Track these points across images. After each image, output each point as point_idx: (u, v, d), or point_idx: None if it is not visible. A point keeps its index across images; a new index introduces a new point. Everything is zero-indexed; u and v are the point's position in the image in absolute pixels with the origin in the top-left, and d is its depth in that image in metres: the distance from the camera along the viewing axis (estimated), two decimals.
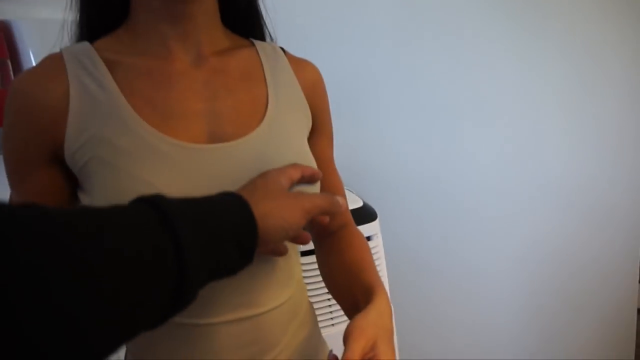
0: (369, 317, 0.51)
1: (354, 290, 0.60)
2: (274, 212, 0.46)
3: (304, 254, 1.31)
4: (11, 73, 0.98)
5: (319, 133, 0.66)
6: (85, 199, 0.52)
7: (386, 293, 0.57)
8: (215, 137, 0.54)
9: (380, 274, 1.32)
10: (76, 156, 0.51)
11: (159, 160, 0.50)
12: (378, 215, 1.32)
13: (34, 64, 1.02)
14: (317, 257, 0.71)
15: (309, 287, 1.33)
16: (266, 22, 0.67)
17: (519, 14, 1.49)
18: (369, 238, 1.37)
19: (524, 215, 1.63)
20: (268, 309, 0.57)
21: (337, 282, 0.66)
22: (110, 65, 0.53)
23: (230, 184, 0.50)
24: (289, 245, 0.59)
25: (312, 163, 0.60)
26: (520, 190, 1.61)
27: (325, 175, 0.63)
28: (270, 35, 0.67)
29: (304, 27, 1.22)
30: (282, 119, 0.58)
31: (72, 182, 0.54)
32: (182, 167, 0.51)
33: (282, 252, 0.55)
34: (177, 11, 0.53)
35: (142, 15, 0.55)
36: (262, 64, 0.61)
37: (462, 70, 1.50)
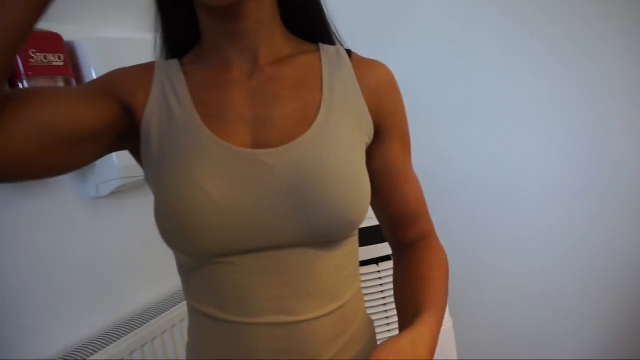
0: (398, 344, 0.49)
1: (408, 309, 0.58)
2: None
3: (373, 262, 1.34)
4: None
5: (388, 137, 0.63)
6: (141, 162, 0.60)
7: (435, 320, 0.55)
8: (258, 143, 0.56)
9: None
10: (144, 140, 0.57)
11: (207, 159, 0.54)
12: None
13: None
14: (393, 268, 0.69)
15: (372, 299, 1.35)
16: (334, 27, 0.66)
17: (577, 18, 1.46)
18: None
19: (590, 220, 1.57)
20: (305, 319, 0.56)
21: (399, 297, 0.63)
22: (187, 76, 0.60)
23: (262, 189, 0.53)
24: (343, 260, 0.59)
25: (358, 172, 0.58)
26: (585, 194, 1.56)
27: (396, 183, 0.63)
28: (339, 39, 0.66)
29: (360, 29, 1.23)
30: (332, 126, 0.57)
31: (116, 135, 0.57)
32: (225, 168, 0.54)
33: None
34: (231, 28, 0.58)
35: (207, 33, 0.60)
36: (321, 70, 0.61)
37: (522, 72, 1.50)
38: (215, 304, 0.57)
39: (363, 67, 0.62)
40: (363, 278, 1.36)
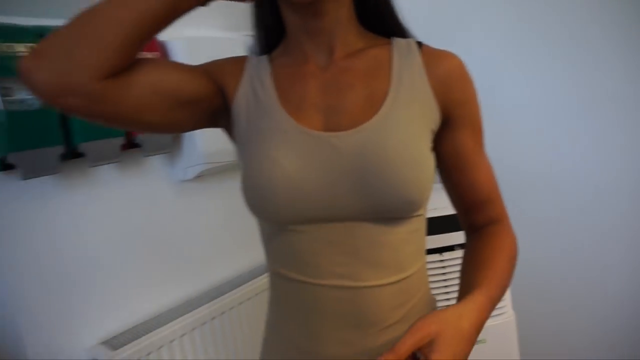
0: (443, 315, 0.53)
1: (464, 289, 0.61)
2: None
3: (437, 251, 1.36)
4: None
5: (458, 124, 0.66)
6: (230, 137, 0.70)
7: (486, 299, 0.58)
8: (329, 127, 0.62)
9: None
10: (235, 120, 0.66)
11: (284, 139, 0.62)
12: None
13: None
14: (464, 251, 0.71)
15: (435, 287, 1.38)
16: (405, 22, 0.69)
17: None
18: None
19: None
20: (367, 285, 0.61)
21: (460, 278, 0.66)
22: (272, 68, 0.68)
23: (330, 167, 0.60)
24: (407, 236, 0.64)
25: (419, 156, 0.61)
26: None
27: (466, 169, 0.67)
28: (408, 32, 0.69)
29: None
30: (396, 113, 0.62)
31: (210, 109, 0.66)
32: (299, 147, 0.61)
33: None
34: (310, 25, 0.64)
35: (290, 30, 0.68)
36: (391, 61, 0.65)
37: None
38: (289, 266, 0.65)
39: (432, 57, 0.65)
40: (427, 266, 1.39)
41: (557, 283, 1.69)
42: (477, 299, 0.57)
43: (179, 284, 1.32)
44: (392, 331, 0.63)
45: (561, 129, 1.58)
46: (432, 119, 0.63)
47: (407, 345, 0.50)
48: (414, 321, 0.53)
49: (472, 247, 0.68)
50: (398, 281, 0.63)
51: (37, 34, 0.94)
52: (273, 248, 0.67)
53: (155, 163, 1.27)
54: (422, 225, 0.68)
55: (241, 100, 0.66)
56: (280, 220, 0.63)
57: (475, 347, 1.35)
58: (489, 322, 1.41)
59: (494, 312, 1.37)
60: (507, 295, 1.40)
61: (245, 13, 1.36)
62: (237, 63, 0.69)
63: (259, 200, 0.62)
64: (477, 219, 0.69)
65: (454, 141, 0.66)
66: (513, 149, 1.62)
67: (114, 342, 1.12)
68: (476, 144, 0.67)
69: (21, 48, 0.91)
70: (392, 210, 0.61)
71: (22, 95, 0.92)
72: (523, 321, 1.44)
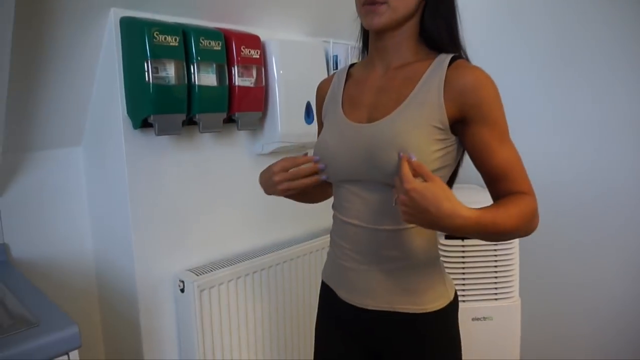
0: (436, 187, 0.72)
1: None
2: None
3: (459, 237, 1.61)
4: (263, 75, 1.48)
5: (477, 123, 0.82)
6: None
7: (475, 216, 0.73)
8: (370, 119, 0.88)
9: (512, 267, 1.59)
10: (323, 119, 1.02)
11: (335, 127, 0.93)
12: None
13: (275, 69, 1.52)
14: None
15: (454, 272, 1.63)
16: (459, 39, 0.88)
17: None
18: None
19: None
20: (374, 228, 0.88)
21: None
22: (349, 77, 1.00)
23: (354, 145, 0.87)
24: None
25: (414, 143, 0.80)
26: None
27: (483, 154, 0.83)
28: (460, 48, 0.89)
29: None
30: (405, 114, 0.84)
31: None
32: (342, 133, 0.91)
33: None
34: (378, 44, 0.93)
35: (370, 45, 0.97)
36: (424, 73, 0.85)
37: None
38: (336, 207, 0.98)
39: (457, 71, 0.82)
40: (447, 251, 1.65)
41: (562, 277, 1.93)
42: (469, 210, 0.73)
43: (248, 235, 1.64)
44: (390, 262, 0.89)
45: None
46: (437, 118, 0.82)
47: (412, 165, 0.75)
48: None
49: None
50: (390, 230, 0.87)
51: (180, 29, 1.27)
52: (334, 194, 0.99)
53: (243, 137, 1.59)
54: None
55: (327, 99, 1.01)
56: (330, 177, 0.94)
57: (483, 322, 1.64)
58: (497, 304, 1.69)
59: (503, 295, 1.64)
60: (515, 282, 1.65)
61: (322, 23, 1.76)
62: (328, 80, 1.05)
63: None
64: (499, 190, 0.85)
65: (472, 135, 0.84)
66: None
67: (197, 270, 1.44)
68: (491, 136, 0.82)
69: (169, 40, 1.24)
70: (387, 178, 0.83)
71: (164, 73, 1.24)
72: (527, 306, 1.69)
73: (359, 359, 1.00)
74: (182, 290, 1.38)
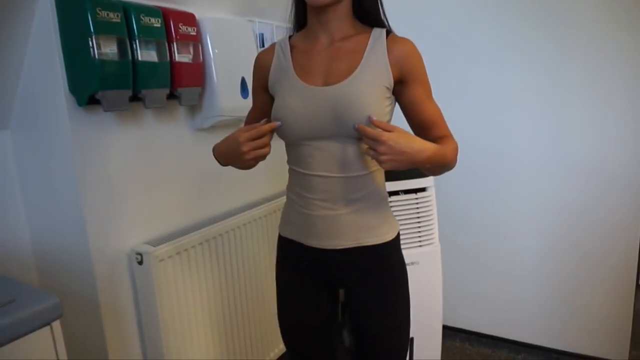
0: (408, 134, 0.93)
1: None
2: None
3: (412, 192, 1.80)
4: (200, 51, 1.53)
5: (411, 83, 1.03)
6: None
7: (440, 149, 0.97)
8: (326, 83, 1.02)
9: (431, 218, 1.84)
10: (271, 89, 1.10)
11: (295, 91, 1.04)
12: None
13: (210, 46, 1.58)
14: None
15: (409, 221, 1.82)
16: (385, 15, 1.08)
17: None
18: (424, 189, 1.86)
19: (545, 179, 2.06)
20: (338, 176, 1.03)
21: None
22: (292, 47, 1.11)
23: (318, 106, 1.00)
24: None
25: (371, 100, 0.98)
26: (546, 161, 2.05)
27: (418, 107, 1.04)
28: (387, 24, 1.08)
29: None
30: (360, 76, 1.00)
31: (271, 98, 1.11)
32: (302, 95, 1.02)
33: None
34: (320, 18, 1.07)
35: (309, 20, 1.10)
36: (367, 44, 1.03)
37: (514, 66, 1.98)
38: (296, 164, 1.09)
39: (394, 42, 1.03)
40: (402, 205, 1.83)
41: (473, 224, 2.25)
42: (430, 143, 0.96)
43: (194, 207, 1.70)
44: (352, 204, 1.05)
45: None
46: (386, 80, 1.02)
47: (379, 123, 0.93)
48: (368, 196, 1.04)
49: None
50: (357, 176, 1.04)
51: (121, 6, 1.28)
52: (289, 154, 1.11)
53: (183, 112, 1.63)
54: None
55: (273, 69, 1.10)
56: (292, 138, 1.06)
57: (410, 266, 1.87)
58: (421, 250, 1.93)
59: (425, 242, 1.88)
60: (435, 230, 1.91)
61: (247, 3, 1.87)
62: (269, 50, 1.14)
63: (281, 128, 1.04)
64: (429, 137, 1.05)
65: (409, 92, 1.05)
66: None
67: (152, 242, 1.48)
68: (424, 93, 1.05)
69: (112, 16, 1.25)
70: (353, 133, 0.99)
71: (107, 49, 1.25)
72: (446, 251, 1.97)
73: (325, 295, 1.16)
74: (140, 263, 1.42)
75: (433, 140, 1.03)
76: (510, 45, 2.03)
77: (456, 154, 1.06)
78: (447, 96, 2.14)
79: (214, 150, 1.13)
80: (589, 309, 2.08)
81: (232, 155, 1.05)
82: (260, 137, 1.01)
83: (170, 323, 1.48)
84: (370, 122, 0.96)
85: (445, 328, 2.19)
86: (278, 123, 1.03)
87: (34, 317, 0.95)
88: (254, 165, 1.08)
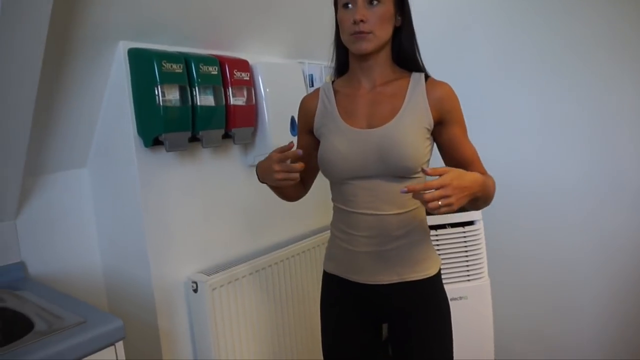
0: (459, 170, 0.95)
1: None
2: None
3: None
4: (253, 94, 1.67)
5: (449, 124, 1.09)
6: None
7: (487, 181, 1.00)
8: (370, 126, 1.09)
9: (480, 251, 1.82)
10: (317, 131, 1.17)
11: (341, 134, 1.11)
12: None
13: (262, 89, 1.70)
14: None
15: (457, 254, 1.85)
16: (422, 60, 1.14)
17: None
18: (472, 222, 1.86)
19: (600, 211, 1.99)
20: (383, 214, 1.08)
21: None
22: (336, 92, 1.19)
23: (368, 148, 1.06)
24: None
25: (415, 142, 1.05)
26: (600, 194, 1.98)
27: (456, 146, 1.10)
28: (424, 68, 1.14)
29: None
30: (403, 119, 1.07)
31: (317, 141, 1.18)
32: (347, 138, 1.10)
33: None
34: (363, 64, 1.15)
35: (352, 67, 1.18)
36: (407, 88, 1.11)
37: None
38: (341, 202, 1.15)
39: (433, 86, 1.10)
40: (450, 238, 1.85)
41: (528, 261, 2.19)
42: (477, 173, 0.99)
43: (247, 239, 1.80)
44: (396, 240, 1.09)
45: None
46: (427, 122, 1.08)
47: (435, 171, 0.93)
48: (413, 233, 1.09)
49: None
50: (400, 213, 1.09)
51: (182, 58, 1.43)
52: (335, 192, 1.18)
53: (237, 150, 1.76)
54: (419, 182, 1.09)
55: (318, 113, 1.18)
56: (338, 177, 1.13)
57: (458, 301, 1.89)
58: (469, 284, 1.93)
59: (474, 276, 1.87)
60: (484, 264, 1.89)
61: (297, 46, 1.99)
62: (313, 95, 1.22)
63: (327, 167, 1.13)
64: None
65: (447, 132, 1.11)
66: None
67: (207, 272, 1.59)
68: (461, 133, 1.12)
69: (174, 67, 1.40)
70: (397, 172, 1.07)
71: (170, 97, 1.40)
72: (496, 286, 1.93)
73: (369, 330, 1.20)
74: (196, 291, 1.52)
75: None
76: (562, 71, 2.01)
77: (494, 190, 1.08)
78: (493, 125, 2.19)
79: (257, 166, 1.21)
80: None
81: (266, 172, 1.12)
82: (286, 159, 1.08)
83: (223, 348, 1.57)
84: (425, 173, 1.00)
85: None
86: (299, 151, 1.08)
87: (101, 338, 1.06)
88: (284, 186, 1.15)
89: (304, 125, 1.23)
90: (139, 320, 1.53)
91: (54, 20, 1.12)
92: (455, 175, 0.92)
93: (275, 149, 1.12)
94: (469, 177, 0.95)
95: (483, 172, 1.11)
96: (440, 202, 0.89)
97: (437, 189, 0.89)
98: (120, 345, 1.10)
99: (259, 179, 1.20)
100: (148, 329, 1.52)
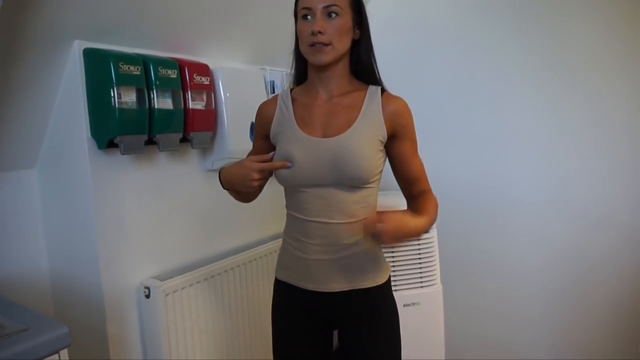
0: (400, 214, 1.01)
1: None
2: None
3: None
4: (213, 99, 1.66)
5: (400, 139, 1.13)
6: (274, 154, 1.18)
7: (425, 220, 1.05)
8: (325, 135, 1.11)
9: (433, 259, 1.88)
10: (273, 138, 1.19)
11: (297, 142, 1.12)
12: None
13: (222, 94, 1.70)
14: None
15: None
16: (379, 73, 1.17)
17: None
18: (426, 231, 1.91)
19: (547, 223, 2.09)
20: (335, 222, 1.10)
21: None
22: (294, 100, 1.21)
23: (323, 156, 1.08)
24: (359, 198, 1.11)
25: (369, 154, 1.08)
26: (548, 206, 2.08)
27: (405, 162, 1.15)
28: (381, 82, 1.17)
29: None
30: (359, 130, 1.09)
31: (271, 147, 1.20)
32: (303, 146, 1.11)
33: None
34: (321, 75, 1.17)
35: (310, 77, 1.20)
36: (364, 101, 1.13)
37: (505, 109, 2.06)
38: (295, 210, 1.16)
39: (388, 100, 1.13)
40: (404, 245, 1.86)
41: (480, 268, 2.27)
42: (417, 219, 1.05)
43: (202, 244, 1.78)
44: (348, 249, 1.12)
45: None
46: (381, 134, 1.11)
47: (368, 219, 1.01)
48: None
49: (412, 206, 1.18)
50: (352, 222, 1.11)
51: (141, 60, 1.41)
52: (289, 199, 1.19)
53: (195, 154, 1.74)
54: (371, 193, 1.14)
55: (275, 119, 1.19)
56: (293, 185, 1.15)
57: (411, 307, 1.93)
58: (422, 290, 1.97)
59: (427, 283, 1.92)
60: (437, 271, 1.95)
61: (259, 52, 2.00)
62: (271, 102, 1.23)
63: (282, 174, 1.14)
64: (412, 191, 1.19)
65: (398, 147, 1.15)
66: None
67: (159, 277, 1.56)
68: (412, 149, 1.16)
69: (132, 69, 1.38)
70: (350, 182, 1.09)
71: (126, 99, 1.38)
72: (448, 293, 1.99)
73: (320, 338, 1.22)
74: (148, 296, 1.50)
75: (415, 194, 1.17)
76: (514, 88, 2.11)
77: (437, 212, 1.14)
78: (449, 139, 2.27)
79: (220, 171, 1.22)
80: (594, 356, 2.06)
81: (241, 178, 1.14)
82: (268, 169, 1.13)
83: (175, 354, 1.54)
84: (367, 221, 1.04)
85: None
86: (289, 164, 1.11)
87: (44, 346, 1.03)
88: (253, 192, 1.20)
89: (261, 130, 1.24)
90: (87, 327, 1.49)
91: (5, 16, 1.08)
92: (390, 227, 0.98)
93: (249, 157, 1.16)
94: (408, 226, 1.02)
95: (425, 190, 1.17)
96: (373, 237, 1.01)
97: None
98: (64, 352, 1.07)
99: (222, 185, 1.20)
100: (96, 336, 1.48)
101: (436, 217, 1.14)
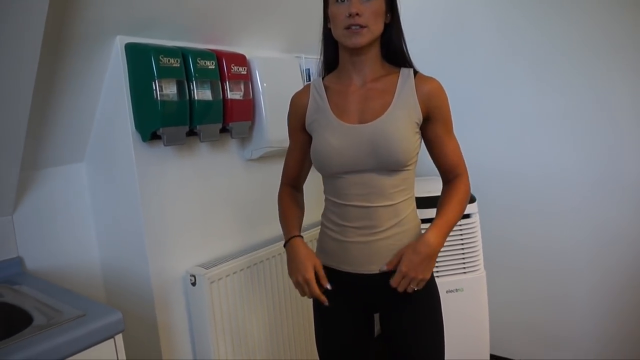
0: (416, 248, 1.06)
1: (436, 215, 1.14)
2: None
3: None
4: (250, 88, 1.67)
5: (435, 121, 1.13)
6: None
7: (443, 221, 1.09)
8: (362, 121, 1.11)
9: (476, 244, 1.83)
10: (309, 126, 1.19)
11: (333, 129, 1.13)
12: (477, 199, 1.81)
13: (259, 83, 1.71)
14: (441, 192, 1.20)
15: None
16: (409, 56, 1.17)
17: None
18: (468, 216, 1.87)
19: (594, 203, 2.00)
20: (374, 206, 1.11)
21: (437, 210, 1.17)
22: (327, 88, 1.20)
23: (361, 142, 1.08)
24: (397, 182, 1.11)
25: (406, 136, 1.08)
26: (595, 186, 1.99)
27: (440, 146, 1.15)
28: (412, 65, 1.17)
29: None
30: (394, 113, 1.09)
31: (310, 138, 1.19)
32: (339, 133, 1.11)
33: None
34: (354, 60, 1.15)
35: (342, 62, 1.18)
36: (397, 84, 1.13)
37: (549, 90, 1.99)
38: (334, 195, 1.17)
39: (421, 81, 1.13)
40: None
41: (524, 252, 2.21)
42: (436, 224, 1.09)
43: (243, 233, 1.81)
44: (387, 232, 1.12)
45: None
46: (416, 117, 1.11)
47: (393, 261, 1.08)
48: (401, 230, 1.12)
49: (444, 190, 1.19)
50: (391, 205, 1.12)
51: (180, 52, 1.43)
52: (327, 186, 1.19)
53: (236, 144, 1.76)
54: (409, 175, 1.15)
55: (310, 109, 1.19)
56: (331, 172, 1.14)
57: (454, 293, 1.91)
58: (465, 276, 1.94)
59: (470, 269, 1.89)
60: (480, 256, 1.91)
61: (294, 41, 1.99)
62: (303, 92, 1.23)
63: (320, 162, 1.14)
64: (448, 174, 1.18)
65: (433, 129, 1.14)
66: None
67: (205, 265, 1.59)
68: (446, 131, 1.15)
69: (172, 62, 1.40)
70: (389, 166, 1.09)
71: (167, 91, 1.40)
72: (492, 278, 1.95)
73: (361, 321, 1.22)
74: (194, 284, 1.53)
75: (450, 177, 1.18)
76: (554, 65, 2.02)
77: (466, 198, 1.16)
78: (489, 118, 2.20)
79: (288, 243, 1.22)
80: None
81: (294, 270, 1.16)
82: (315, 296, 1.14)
83: (221, 340, 1.58)
84: (387, 267, 1.11)
85: (493, 357, 2.15)
86: (326, 304, 1.14)
87: (100, 331, 1.07)
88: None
89: (296, 121, 1.24)
90: (137, 314, 1.54)
91: (51, 16, 1.12)
92: (409, 259, 1.06)
93: (308, 259, 1.15)
94: (424, 249, 1.06)
95: (460, 174, 1.17)
96: (412, 285, 1.07)
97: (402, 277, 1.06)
98: (119, 337, 1.11)
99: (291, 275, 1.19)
100: (146, 322, 1.53)
101: (466, 203, 1.16)
